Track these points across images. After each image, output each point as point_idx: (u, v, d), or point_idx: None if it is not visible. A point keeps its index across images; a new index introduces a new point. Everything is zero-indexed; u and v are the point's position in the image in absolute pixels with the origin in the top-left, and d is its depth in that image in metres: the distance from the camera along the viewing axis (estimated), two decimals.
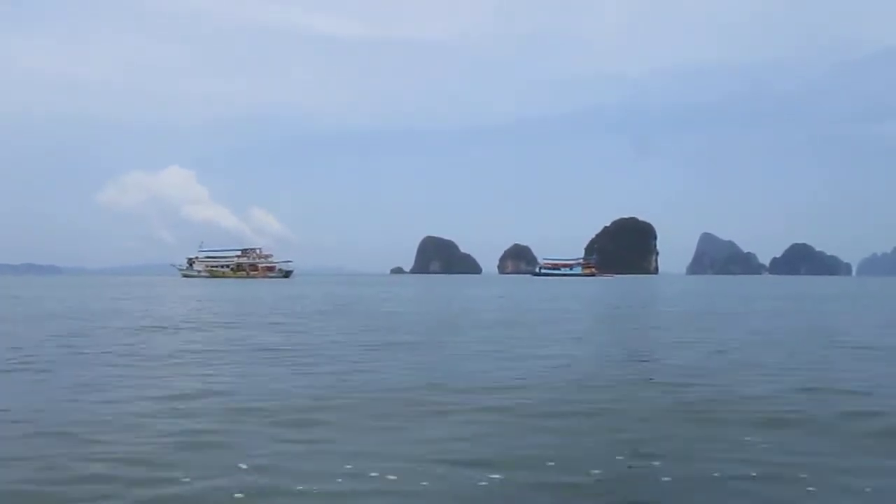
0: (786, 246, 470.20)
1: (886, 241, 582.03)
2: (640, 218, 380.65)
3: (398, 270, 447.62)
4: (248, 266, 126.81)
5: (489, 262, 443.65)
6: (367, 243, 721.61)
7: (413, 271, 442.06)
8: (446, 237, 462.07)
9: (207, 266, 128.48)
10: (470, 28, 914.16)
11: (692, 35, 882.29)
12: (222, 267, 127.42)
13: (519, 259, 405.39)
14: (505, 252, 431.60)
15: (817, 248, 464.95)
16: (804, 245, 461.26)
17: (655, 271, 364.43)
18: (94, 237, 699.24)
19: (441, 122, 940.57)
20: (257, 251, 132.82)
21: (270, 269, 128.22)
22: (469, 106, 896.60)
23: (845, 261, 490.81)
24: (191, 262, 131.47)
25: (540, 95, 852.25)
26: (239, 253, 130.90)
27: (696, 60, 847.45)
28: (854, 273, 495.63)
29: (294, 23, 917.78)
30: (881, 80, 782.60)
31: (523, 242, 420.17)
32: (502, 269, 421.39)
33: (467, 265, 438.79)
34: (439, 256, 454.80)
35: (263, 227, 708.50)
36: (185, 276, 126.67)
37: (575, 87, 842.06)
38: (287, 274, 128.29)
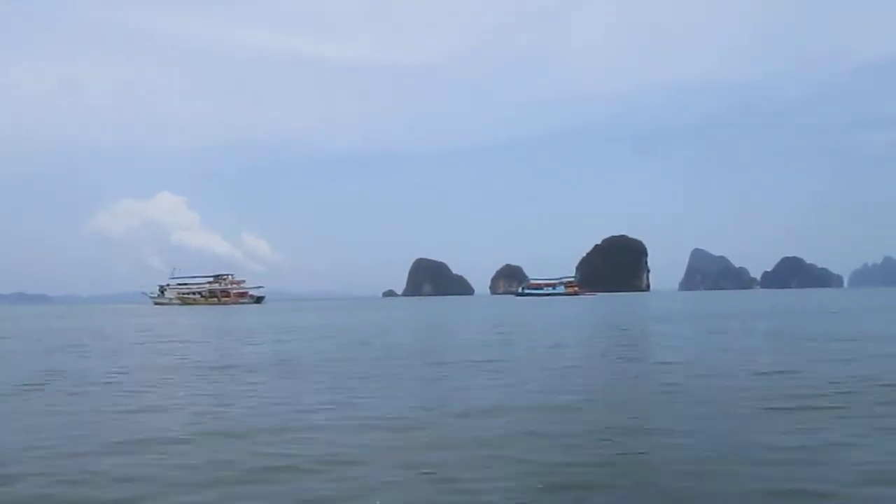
0: (777, 260, 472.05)
1: (877, 252, 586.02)
2: (633, 235, 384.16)
3: (390, 293, 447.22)
4: (220, 292, 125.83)
5: (482, 282, 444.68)
6: (359, 267, 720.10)
7: (405, 294, 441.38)
8: (439, 259, 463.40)
9: (179, 294, 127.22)
10: (458, 50, 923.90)
11: (680, 52, 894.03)
12: (193, 294, 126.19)
13: (511, 279, 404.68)
14: (497, 272, 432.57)
15: (808, 261, 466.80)
16: (795, 258, 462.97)
17: (647, 288, 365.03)
18: (85, 265, 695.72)
19: (431, 144, 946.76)
20: (229, 277, 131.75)
21: (242, 294, 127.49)
22: (460, 127, 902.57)
23: (836, 272, 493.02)
24: (162, 289, 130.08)
25: (530, 115, 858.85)
26: (211, 279, 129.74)
27: (684, 77, 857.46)
28: (846, 285, 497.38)
29: (284, 47, 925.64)
30: (867, 92, 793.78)
31: (516, 262, 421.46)
32: (494, 289, 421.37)
33: (459, 286, 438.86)
34: (431, 278, 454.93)
35: (255, 253, 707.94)
36: (157, 303, 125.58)
37: (564, 106, 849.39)
38: (259, 300, 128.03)
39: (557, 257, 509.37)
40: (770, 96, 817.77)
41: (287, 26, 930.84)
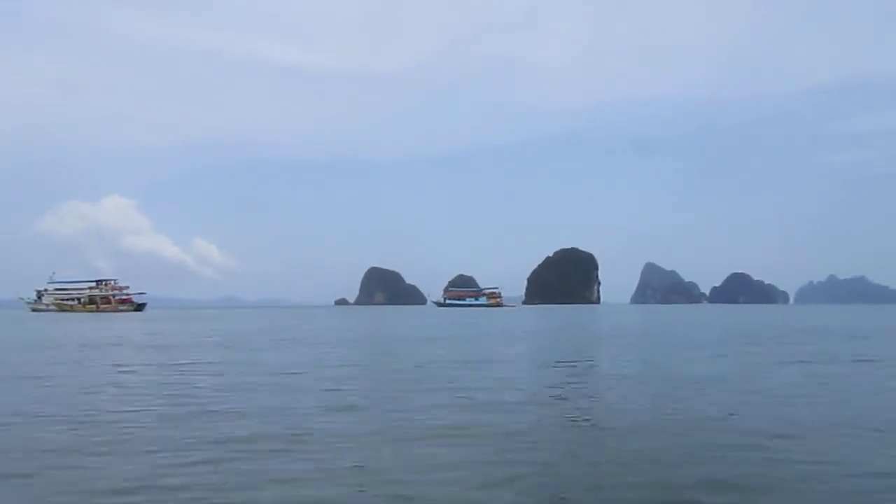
0: (725, 275, 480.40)
1: (822, 270, 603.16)
2: (590, 249, 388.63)
3: (342, 302, 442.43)
4: (100, 299, 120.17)
5: (435, 292, 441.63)
6: (314, 274, 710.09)
7: (357, 302, 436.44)
8: (392, 268, 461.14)
9: (56, 300, 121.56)
10: (421, 59, 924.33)
11: (643, 69, 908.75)
12: (71, 300, 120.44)
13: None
14: (449, 282, 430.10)
15: (756, 277, 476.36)
16: (742, 274, 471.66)
17: (597, 301, 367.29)
18: (31, 269, 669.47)
19: (391, 152, 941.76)
20: (111, 283, 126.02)
21: (124, 301, 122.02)
22: (420, 135, 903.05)
23: (782, 289, 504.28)
24: (40, 294, 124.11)
25: (492, 125, 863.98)
26: (93, 284, 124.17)
27: (645, 94, 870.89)
28: (791, 301, 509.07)
29: (244, 50, 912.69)
30: (818, 114, 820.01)
31: (470, 273, 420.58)
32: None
33: (412, 296, 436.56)
34: (384, 287, 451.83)
35: (206, 258, 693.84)
36: (35, 309, 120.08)
37: (528, 117, 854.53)
38: (140, 307, 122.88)
39: (515, 268, 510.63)
40: (724, 115, 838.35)
41: (247, 29, 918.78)
